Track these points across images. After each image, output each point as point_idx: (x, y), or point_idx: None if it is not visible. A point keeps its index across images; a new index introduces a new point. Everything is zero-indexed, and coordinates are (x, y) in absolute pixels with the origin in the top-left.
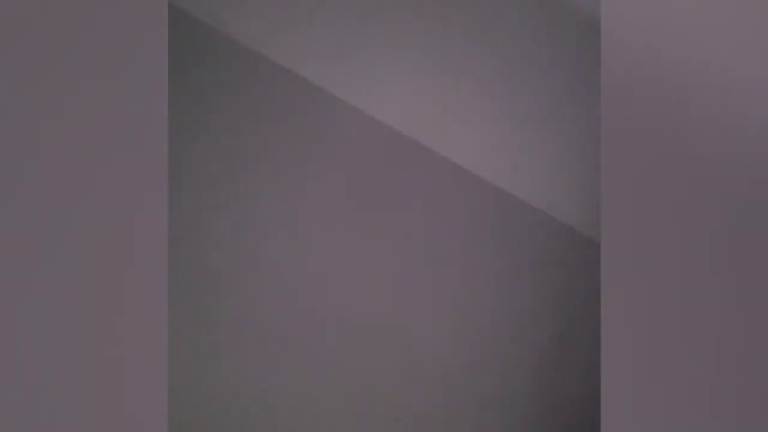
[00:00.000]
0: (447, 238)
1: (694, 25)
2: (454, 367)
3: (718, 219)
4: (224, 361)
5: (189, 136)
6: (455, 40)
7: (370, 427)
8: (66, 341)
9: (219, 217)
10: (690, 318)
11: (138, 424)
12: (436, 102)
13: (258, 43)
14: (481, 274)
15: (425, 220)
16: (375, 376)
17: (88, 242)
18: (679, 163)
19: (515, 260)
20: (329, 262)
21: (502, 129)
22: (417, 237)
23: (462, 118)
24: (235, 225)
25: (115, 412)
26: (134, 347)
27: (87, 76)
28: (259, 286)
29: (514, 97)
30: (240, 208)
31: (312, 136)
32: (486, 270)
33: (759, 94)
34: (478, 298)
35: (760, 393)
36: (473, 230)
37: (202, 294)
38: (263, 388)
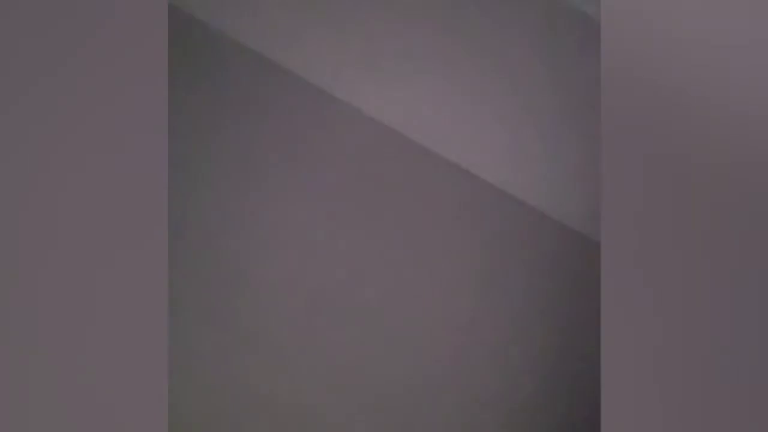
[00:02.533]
0: (447, 239)
1: (694, 25)
2: (453, 368)
3: (719, 218)
4: (224, 361)
5: (189, 136)
6: (455, 40)
7: (370, 428)
8: (65, 341)
9: (219, 218)
10: (690, 318)
11: (138, 424)
12: (437, 103)
13: (258, 44)
14: (482, 274)
15: (425, 220)
16: (376, 377)
17: (88, 242)
18: (680, 162)
19: (516, 260)
20: (329, 262)
21: (502, 129)
22: (417, 237)
23: (462, 119)
24: (235, 225)
25: (116, 412)
26: (134, 347)
27: (88, 75)
28: (259, 286)
29: (514, 97)
30: (240, 208)
31: (312, 137)
32: (487, 270)
33: (759, 93)
34: (478, 298)
35: (760, 393)
36: (473, 230)
37: (202, 294)
38: (263, 388)
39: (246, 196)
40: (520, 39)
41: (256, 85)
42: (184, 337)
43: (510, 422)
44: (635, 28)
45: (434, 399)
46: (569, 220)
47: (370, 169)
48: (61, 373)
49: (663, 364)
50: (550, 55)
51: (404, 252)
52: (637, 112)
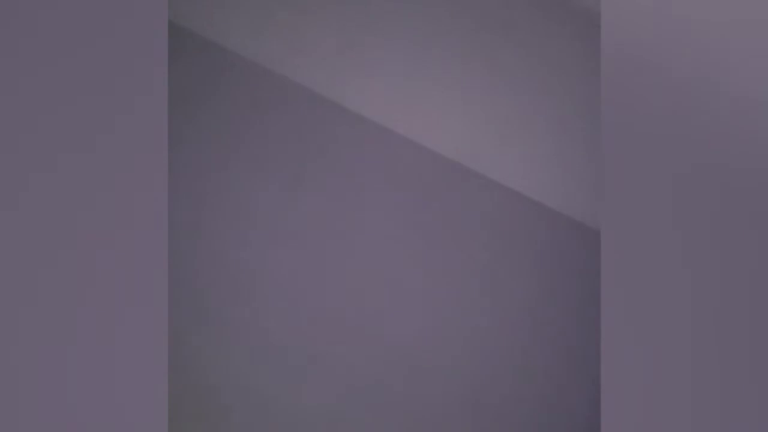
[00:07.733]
0: (447, 238)
1: (695, 23)
2: (453, 368)
3: (718, 214)
4: (224, 361)
5: (189, 142)
6: (453, 39)
7: (371, 430)
8: (66, 341)
9: (218, 223)
10: (691, 314)
11: (138, 424)
12: (437, 102)
13: (252, 52)
14: (482, 271)
15: (425, 221)
16: (375, 378)
17: (90, 244)
18: (679, 160)
19: (516, 257)
20: (328, 265)
21: (502, 127)
22: (417, 238)
23: (461, 117)
24: (235, 229)
25: (116, 413)
26: (134, 347)
27: (93, 83)
28: (258, 288)
29: (513, 94)
30: (239, 212)
31: (309, 141)
32: (487, 266)
33: (760, 90)
34: (480, 296)
35: (761, 391)
36: (473, 228)
37: (202, 294)
38: (263, 389)
39: (245, 199)
40: (520, 36)
41: (252, 92)
42: (184, 337)
43: (514, 422)
44: (635, 26)
45: (435, 399)
46: (572, 213)
47: (369, 171)
48: (62, 373)
49: (664, 360)
50: (549, 51)
51: (403, 252)
52: (637, 110)
